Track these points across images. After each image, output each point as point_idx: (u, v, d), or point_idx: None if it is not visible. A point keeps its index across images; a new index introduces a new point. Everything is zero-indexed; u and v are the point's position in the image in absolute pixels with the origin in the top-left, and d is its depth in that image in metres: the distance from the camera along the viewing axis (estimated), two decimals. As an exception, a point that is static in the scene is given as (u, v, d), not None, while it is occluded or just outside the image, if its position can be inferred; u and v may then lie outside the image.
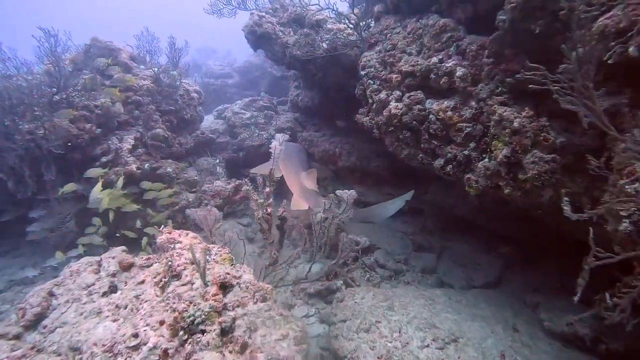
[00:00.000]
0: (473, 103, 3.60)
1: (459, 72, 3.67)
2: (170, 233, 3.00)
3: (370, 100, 4.84)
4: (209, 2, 6.62)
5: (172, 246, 2.85)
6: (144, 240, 5.15)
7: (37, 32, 5.54)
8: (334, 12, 5.55)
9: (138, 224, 5.56)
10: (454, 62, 3.77)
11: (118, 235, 5.42)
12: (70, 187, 5.33)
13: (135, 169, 6.14)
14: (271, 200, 3.64)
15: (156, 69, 6.99)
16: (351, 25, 5.43)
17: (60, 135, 5.46)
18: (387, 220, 6.11)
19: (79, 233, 5.54)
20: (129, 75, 6.55)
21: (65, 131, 5.58)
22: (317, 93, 8.06)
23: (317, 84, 7.37)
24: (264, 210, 3.58)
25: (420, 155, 4.26)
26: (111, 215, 5.22)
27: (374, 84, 4.71)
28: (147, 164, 6.38)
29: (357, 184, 7.40)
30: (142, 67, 7.06)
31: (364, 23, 5.41)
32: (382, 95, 4.49)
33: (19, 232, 5.98)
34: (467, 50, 3.66)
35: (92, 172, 5.39)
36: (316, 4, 5.83)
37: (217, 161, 9.18)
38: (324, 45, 5.56)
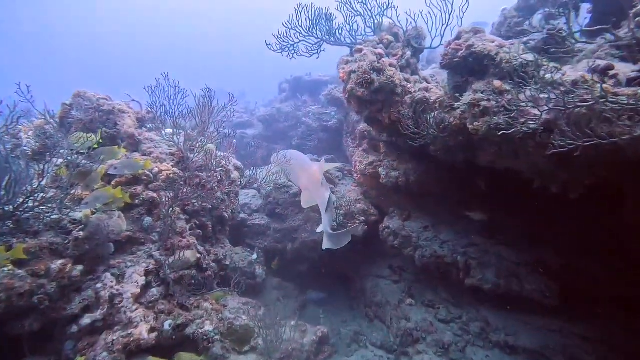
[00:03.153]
0: None
1: None
2: None
3: None
4: (274, 34, 3.87)
5: None
6: None
7: None
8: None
9: None
10: None
11: None
12: None
13: (146, 336, 3.12)
14: None
15: (181, 141, 4.08)
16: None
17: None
18: None
19: None
20: (138, 158, 3.64)
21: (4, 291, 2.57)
22: (419, 165, 5.26)
23: (420, 152, 4.65)
24: None
25: None
26: None
27: None
28: (167, 322, 3.36)
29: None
30: (158, 138, 4.14)
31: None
32: None
33: None
34: None
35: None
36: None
37: (255, 257, 6.20)
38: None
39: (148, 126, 4.57)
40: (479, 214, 4.92)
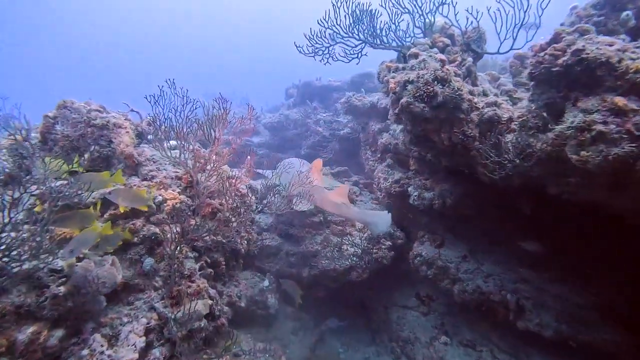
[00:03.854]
0: None
1: None
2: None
3: None
4: (306, 35, 3.15)
5: None
6: None
7: None
8: None
9: None
10: None
11: None
12: None
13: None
14: None
15: (190, 162, 3.34)
16: None
17: None
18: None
19: None
20: (140, 188, 2.91)
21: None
22: (456, 186, 4.56)
23: (458, 171, 3.96)
24: None
25: None
26: None
27: None
28: (173, 398, 2.61)
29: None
30: (161, 157, 3.40)
31: None
32: None
33: None
34: None
35: None
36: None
37: (267, 284, 5.47)
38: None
39: (149, 138, 3.82)
40: (533, 244, 4.21)
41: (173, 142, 3.57)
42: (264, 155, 9.89)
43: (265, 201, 4.02)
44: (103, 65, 42.59)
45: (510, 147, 2.52)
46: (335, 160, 8.48)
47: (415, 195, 4.92)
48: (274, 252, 6.03)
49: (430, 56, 2.93)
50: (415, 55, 2.98)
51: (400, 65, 3.06)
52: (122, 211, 2.85)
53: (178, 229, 3.06)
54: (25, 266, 2.31)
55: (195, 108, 3.30)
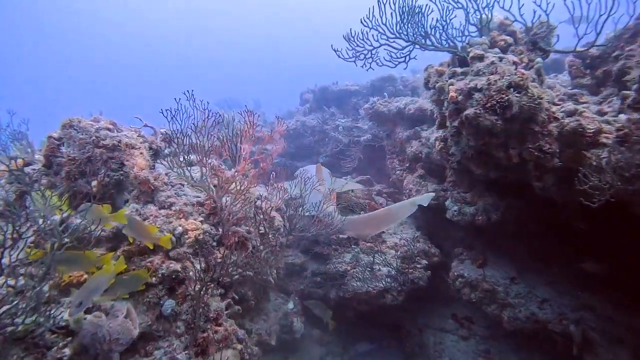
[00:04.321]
0: None
1: None
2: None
3: None
4: (346, 36, 2.70)
5: None
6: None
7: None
8: None
9: None
10: None
11: None
12: None
13: None
14: None
15: (212, 185, 2.91)
16: None
17: None
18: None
19: None
20: (152, 216, 2.48)
21: None
22: (500, 200, 4.05)
23: (501, 184, 3.46)
24: None
25: None
26: None
27: None
28: None
29: None
30: (179, 179, 2.97)
31: None
32: None
33: None
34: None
35: None
36: None
37: (291, 306, 5.05)
38: None
39: (165, 152, 3.40)
40: (595, 265, 3.69)
41: (192, 157, 3.15)
42: (279, 164, 9.46)
43: (294, 222, 3.58)
44: (108, 70, 42.43)
45: (605, 165, 2.03)
46: (355, 168, 8.02)
47: (455, 210, 4.43)
48: (297, 271, 5.59)
49: (500, 58, 2.44)
50: (480, 58, 2.49)
51: (459, 70, 2.57)
52: (134, 248, 2.42)
53: (202, 264, 2.63)
54: (22, 322, 1.89)
55: (217, 123, 2.86)
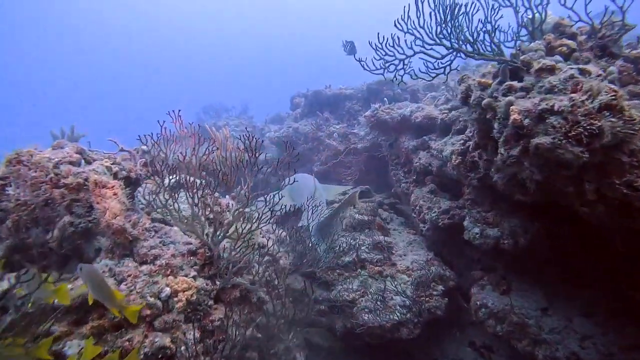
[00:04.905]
0: None
1: None
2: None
3: None
4: (373, 43, 2.16)
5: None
6: None
7: None
8: None
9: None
10: None
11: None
12: None
13: None
14: None
15: (207, 230, 2.32)
16: None
17: None
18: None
19: None
20: (131, 277, 1.88)
21: None
22: (528, 222, 3.61)
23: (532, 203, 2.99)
24: None
25: None
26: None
27: None
28: None
29: None
30: (166, 224, 2.37)
31: None
32: None
33: None
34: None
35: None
36: None
37: (295, 343, 4.46)
38: None
39: (146, 182, 2.80)
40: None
41: (173, 180, 2.56)
42: (273, 174, 8.82)
43: (305, 260, 3.03)
44: (93, 75, 40.75)
45: None
46: (353, 177, 7.52)
47: (477, 233, 3.96)
48: (297, 297, 5.01)
49: (580, 70, 1.93)
50: (551, 70, 1.96)
51: (517, 85, 2.05)
52: (105, 323, 1.82)
53: (196, 331, 2.04)
54: None
55: (212, 151, 2.28)
